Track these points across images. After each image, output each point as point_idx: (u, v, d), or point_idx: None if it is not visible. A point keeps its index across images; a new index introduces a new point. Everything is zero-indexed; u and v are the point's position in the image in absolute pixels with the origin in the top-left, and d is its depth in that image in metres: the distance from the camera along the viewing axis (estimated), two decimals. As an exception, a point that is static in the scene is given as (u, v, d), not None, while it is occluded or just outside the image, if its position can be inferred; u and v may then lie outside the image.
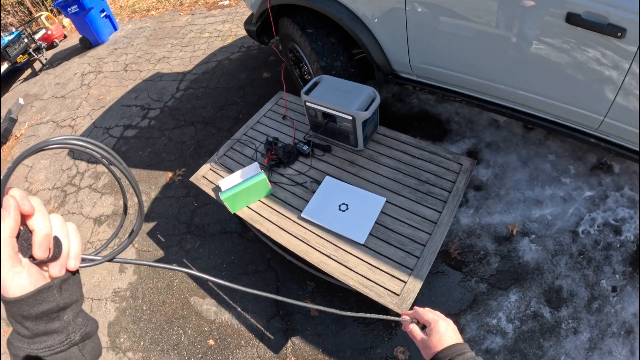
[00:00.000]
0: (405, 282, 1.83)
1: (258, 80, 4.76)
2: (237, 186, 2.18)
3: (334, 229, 2.07)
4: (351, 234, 2.03)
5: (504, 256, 2.52)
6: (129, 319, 2.97)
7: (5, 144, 5.91)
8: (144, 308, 2.99)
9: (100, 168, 4.48)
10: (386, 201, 2.15)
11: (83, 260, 0.62)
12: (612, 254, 2.39)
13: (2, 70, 7.77)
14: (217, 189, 2.46)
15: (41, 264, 0.55)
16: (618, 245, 2.42)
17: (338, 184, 2.27)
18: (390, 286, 1.84)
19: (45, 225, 0.54)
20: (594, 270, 2.35)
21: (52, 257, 0.55)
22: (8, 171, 0.51)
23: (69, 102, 6.22)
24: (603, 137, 2.16)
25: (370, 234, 2.03)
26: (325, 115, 2.35)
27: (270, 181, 2.32)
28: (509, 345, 2.19)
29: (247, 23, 3.72)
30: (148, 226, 3.56)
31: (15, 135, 6.08)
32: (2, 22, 10.96)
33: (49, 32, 9.03)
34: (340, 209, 2.14)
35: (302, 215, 2.17)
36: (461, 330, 2.29)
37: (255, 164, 2.38)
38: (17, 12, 11.30)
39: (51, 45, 9.17)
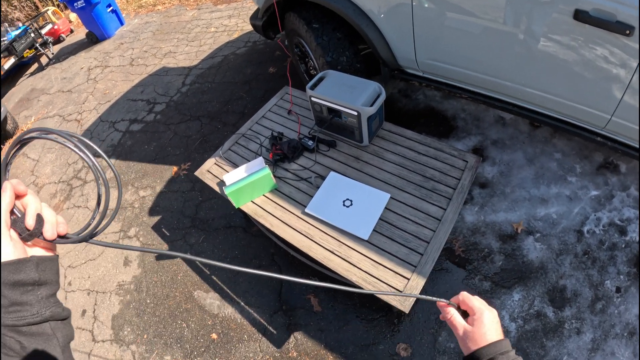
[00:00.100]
0: (408, 279, 1.83)
1: (264, 75, 4.76)
2: (242, 181, 2.18)
3: (337, 225, 2.07)
4: (355, 229, 2.03)
5: (508, 254, 2.51)
6: (132, 312, 2.99)
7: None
8: (148, 301, 3.00)
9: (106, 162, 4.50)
10: (390, 197, 2.14)
11: (67, 237, 0.69)
12: (617, 255, 2.38)
13: (9, 64, 7.81)
14: (221, 183, 2.46)
15: (28, 240, 0.65)
16: (623, 246, 2.40)
17: (342, 179, 2.27)
18: (394, 283, 1.84)
19: (35, 202, 0.67)
20: (599, 270, 2.34)
21: (36, 229, 0.65)
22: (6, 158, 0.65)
23: (75, 97, 6.23)
24: (610, 136, 2.14)
25: (374, 230, 2.03)
26: (331, 110, 2.34)
27: (274, 176, 2.32)
28: (512, 344, 2.18)
29: (253, 18, 3.72)
30: (153, 220, 3.57)
31: (22, 129, 6.11)
32: (9, 17, 11.00)
33: (56, 27, 9.05)
34: (344, 205, 2.14)
35: (306, 210, 2.17)
36: (463, 328, 2.29)
37: (260, 159, 2.38)
38: (23, 7, 11.34)
39: (58, 40, 9.20)
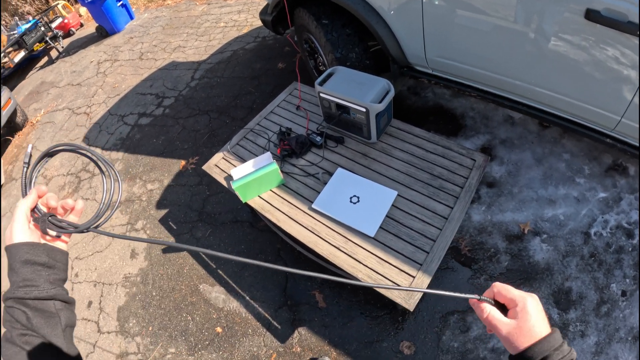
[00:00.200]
0: (413, 277, 1.83)
1: (273, 70, 4.76)
2: (249, 175, 2.18)
3: (344, 221, 2.07)
4: (361, 226, 2.03)
5: (515, 255, 2.50)
6: (138, 304, 3.00)
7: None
8: (154, 294, 3.02)
9: (115, 155, 4.52)
10: (397, 195, 2.14)
11: (75, 226, 0.79)
12: (624, 258, 2.36)
13: (19, 58, 7.86)
14: (229, 177, 2.47)
15: (45, 232, 0.78)
16: (630, 249, 2.38)
17: (350, 176, 2.27)
18: (399, 280, 1.84)
19: (53, 197, 0.81)
20: (605, 273, 2.32)
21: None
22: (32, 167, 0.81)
23: (84, 90, 6.26)
24: (619, 137, 2.13)
25: (380, 227, 2.03)
26: (339, 106, 2.34)
27: (282, 171, 2.33)
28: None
29: (263, 13, 3.72)
30: (160, 213, 3.59)
31: (32, 122, 6.15)
32: (19, 10, 11.06)
33: (66, 21, 9.10)
34: (351, 201, 2.14)
35: (313, 206, 2.18)
36: (468, 328, 2.29)
37: (268, 154, 2.38)
38: (34, 0, 11.39)
39: (68, 34, 9.25)
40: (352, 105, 2.24)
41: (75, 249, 3.68)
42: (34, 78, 7.90)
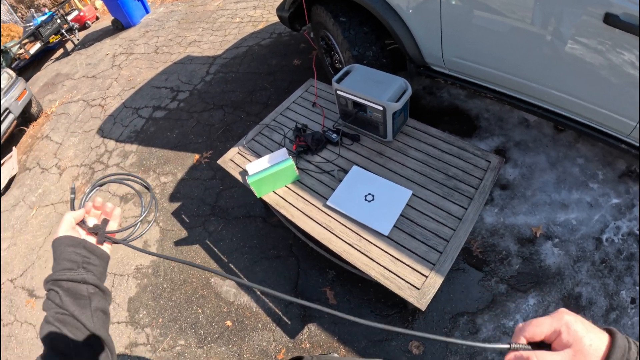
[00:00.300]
0: (426, 277, 1.83)
1: (288, 66, 4.76)
2: (265, 171, 2.19)
3: (358, 219, 2.08)
4: (376, 224, 2.04)
5: (526, 258, 2.49)
6: (149, 295, 3.03)
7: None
8: (165, 286, 3.04)
9: (129, 147, 4.56)
10: (412, 194, 2.14)
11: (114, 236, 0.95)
12: (634, 265, 2.34)
13: (35, 49, 7.94)
14: (244, 172, 2.48)
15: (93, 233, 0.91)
16: (641, 256, 2.38)
17: (365, 174, 2.28)
18: (412, 279, 1.84)
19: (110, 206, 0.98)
20: (615, 280, 2.31)
21: (101, 226, 0.93)
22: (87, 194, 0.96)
23: (99, 82, 6.31)
24: (635, 143, 2.11)
25: (394, 226, 2.03)
26: (356, 104, 2.35)
27: (297, 168, 2.33)
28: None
29: (280, 9, 3.73)
30: (173, 206, 3.61)
31: (46, 113, 6.21)
32: (35, 2, 11.16)
33: (82, 14, 9.18)
34: (366, 199, 2.14)
35: (328, 203, 2.19)
36: (477, 330, 2.28)
37: (283, 150, 2.40)
38: (51, -7, 11.50)
39: (83, 27, 9.33)
40: (369, 104, 2.24)
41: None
42: (49, 70, 7.97)
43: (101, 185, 1.00)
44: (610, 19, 1.68)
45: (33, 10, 11.51)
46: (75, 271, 0.80)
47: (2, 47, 8.16)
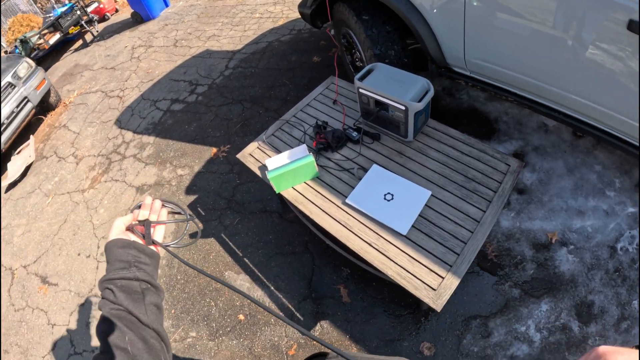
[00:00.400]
0: (443, 278, 1.83)
1: (308, 63, 4.77)
2: (285, 166, 2.20)
3: (377, 218, 2.08)
4: (394, 224, 2.04)
5: (541, 264, 2.48)
6: (162, 286, 3.04)
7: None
8: (179, 277, 3.07)
9: (146, 139, 4.59)
10: (431, 195, 2.14)
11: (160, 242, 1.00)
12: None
13: (55, 40, 8.02)
14: (263, 167, 2.49)
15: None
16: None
17: (385, 173, 2.28)
18: (428, 280, 1.84)
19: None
20: (628, 289, 2.29)
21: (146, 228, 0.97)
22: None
23: (118, 74, 6.37)
24: None
25: (413, 226, 2.03)
26: (378, 103, 2.35)
27: (317, 164, 2.34)
28: (534, 355, 2.16)
29: (302, 6, 3.74)
30: (189, 199, 3.64)
31: (64, 103, 6.28)
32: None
33: (101, 6, 9.27)
34: (385, 198, 2.14)
35: (347, 201, 2.19)
36: (489, 334, 2.28)
37: (303, 146, 2.40)
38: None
39: (103, 19, 9.42)
40: (391, 103, 2.24)
41: (102, 229, 3.76)
42: (68, 60, 8.05)
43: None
44: (634, 26, 1.67)
45: (53, 1, 11.61)
46: (127, 270, 0.84)
47: (22, 37, 8.25)
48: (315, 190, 2.31)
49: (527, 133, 3.12)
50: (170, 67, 5.87)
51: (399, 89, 2.22)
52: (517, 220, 2.69)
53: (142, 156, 4.38)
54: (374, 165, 2.32)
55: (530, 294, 2.37)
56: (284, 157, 2.37)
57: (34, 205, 4.48)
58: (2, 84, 5.27)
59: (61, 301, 3.35)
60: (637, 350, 0.52)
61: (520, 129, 3.16)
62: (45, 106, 6.19)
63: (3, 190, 5.03)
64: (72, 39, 8.85)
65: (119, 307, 0.79)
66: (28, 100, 5.55)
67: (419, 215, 2.07)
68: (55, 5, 9.15)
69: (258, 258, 2.98)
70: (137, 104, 5.33)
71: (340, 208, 2.19)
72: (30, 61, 5.86)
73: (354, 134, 2.49)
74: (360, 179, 2.27)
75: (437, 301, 1.77)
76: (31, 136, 5.67)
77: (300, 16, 3.94)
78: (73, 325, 3.12)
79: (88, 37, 8.56)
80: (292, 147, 2.51)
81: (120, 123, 5.11)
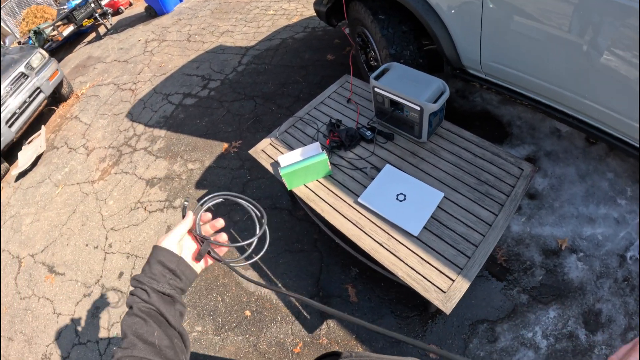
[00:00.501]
0: (453, 281, 1.82)
1: (321, 61, 4.75)
2: (297, 163, 2.20)
3: (389, 218, 2.07)
4: (406, 224, 2.03)
5: (550, 270, 2.46)
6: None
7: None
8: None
9: (157, 132, 4.61)
10: (444, 196, 2.13)
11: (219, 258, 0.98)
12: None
13: (68, 32, 8.07)
14: (275, 164, 2.49)
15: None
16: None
17: (398, 173, 2.27)
18: (438, 282, 1.83)
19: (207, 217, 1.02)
20: (636, 299, 2.27)
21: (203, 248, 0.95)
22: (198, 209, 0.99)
23: (131, 67, 6.39)
24: None
25: (424, 227, 2.02)
26: (392, 103, 2.34)
27: (329, 162, 2.33)
28: (541, 364, 2.15)
29: (317, 4, 3.74)
30: (199, 193, 3.65)
31: (77, 94, 6.31)
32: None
33: (115, -1, 9.30)
34: (397, 199, 2.14)
35: (359, 200, 2.18)
36: (495, 339, 2.26)
37: (317, 144, 2.40)
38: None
39: (117, 12, 9.47)
40: (406, 103, 2.23)
41: (111, 220, 3.78)
42: (81, 52, 8.10)
43: (221, 199, 1.03)
44: None
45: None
46: (160, 284, 0.86)
47: (36, 28, 8.31)
48: (327, 189, 2.30)
49: (539, 138, 3.10)
50: (183, 62, 5.89)
51: (415, 90, 2.21)
52: (527, 225, 2.67)
53: (153, 149, 4.39)
54: (387, 165, 2.32)
55: (539, 300, 2.35)
56: (296, 154, 2.36)
57: (44, 194, 4.51)
58: (15, 74, 5.31)
59: (67, 291, 3.36)
60: None
61: (533, 133, 3.14)
62: (57, 97, 6.24)
63: (13, 179, 5.06)
64: (85, 31, 8.91)
65: (151, 307, 0.82)
66: (40, 91, 5.60)
67: (431, 216, 2.06)
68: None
69: (267, 255, 2.97)
70: (149, 97, 5.35)
71: (352, 207, 2.19)
72: (44, 52, 5.91)
73: (368, 133, 2.49)
74: (372, 179, 2.27)
75: (446, 304, 1.76)
76: (42, 126, 5.71)
77: (315, 14, 3.95)
78: (78, 316, 3.14)
79: (101, 29, 8.61)
80: (305, 145, 2.50)
81: (132, 116, 5.13)
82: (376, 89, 2.36)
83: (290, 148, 2.57)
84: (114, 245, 3.54)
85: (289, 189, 2.34)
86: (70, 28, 8.16)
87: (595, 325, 2.22)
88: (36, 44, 8.20)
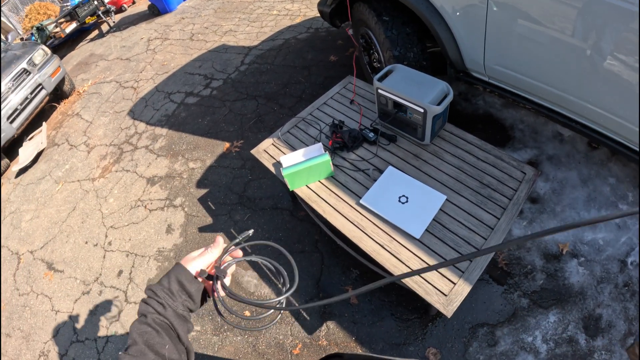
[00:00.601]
0: (454, 284, 1.82)
1: (324, 62, 4.74)
2: (300, 164, 2.20)
3: (391, 220, 2.07)
4: (408, 227, 2.03)
5: (550, 274, 2.45)
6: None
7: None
8: (186, 271, 3.06)
9: (159, 131, 4.60)
10: (446, 199, 2.13)
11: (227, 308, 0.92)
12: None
13: (71, 29, 8.07)
14: (277, 164, 2.49)
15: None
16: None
17: (400, 175, 2.26)
18: (440, 285, 1.83)
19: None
20: (636, 304, 2.26)
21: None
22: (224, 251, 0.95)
23: (133, 65, 6.38)
24: None
25: (426, 229, 2.02)
26: (396, 105, 2.33)
27: (332, 163, 2.33)
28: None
29: (322, 4, 3.73)
30: (199, 192, 3.65)
31: (78, 92, 6.31)
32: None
33: (119, -3, 9.31)
34: (399, 201, 2.13)
35: (361, 201, 2.18)
36: (495, 343, 2.26)
37: (319, 145, 2.39)
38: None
39: (120, 10, 9.47)
40: (410, 105, 2.23)
41: (111, 218, 3.77)
42: (83, 50, 8.09)
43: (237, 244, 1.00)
44: None
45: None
46: (175, 303, 0.86)
47: (39, 25, 8.31)
48: (330, 190, 2.30)
49: (542, 142, 3.09)
50: (186, 60, 5.88)
51: (419, 92, 2.21)
52: (529, 229, 2.67)
53: (154, 148, 4.38)
54: (390, 167, 2.31)
55: (539, 304, 2.35)
56: (299, 155, 2.36)
57: (44, 191, 4.50)
58: (17, 70, 5.31)
59: (66, 288, 3.36)
60: None
61: (535, 137, 3.14)
62: (59, 94, 6.23)
63: (14, 175, 5.06)
64: (88, 28, 8.90)
65: (164, 320, 0.83)
66: (42, 87, 5.59)
67: (433, 219, 2.05)
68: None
69: (267, 255, 2.92)
70: (151, 96, 5.35)
71: (354, 208, 2.18)
72: (46, 49, 5.90)
73: (371, 134, 2.48)
74: (375, 180, 2.26)
75: (447, 307, 1.76)
76: (44, 123, 5.71)
77: (318, 14, 3.94)
78: (77, 313, 3.13)
79: (104, 27, 8.60)
80: (308, 145, 2.50)
81: (134, 114, 5.12)
82: (380, 91, 2.35)
83: (293, 148, 2.56)
84: (114, 243, 3.53)
85: (290, 190, 2.33)
86: (73, 25, 8.15)
87: (595, 330, 2.21)
88: (39, 41, 8.19)
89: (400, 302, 2.51)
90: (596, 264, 2.44)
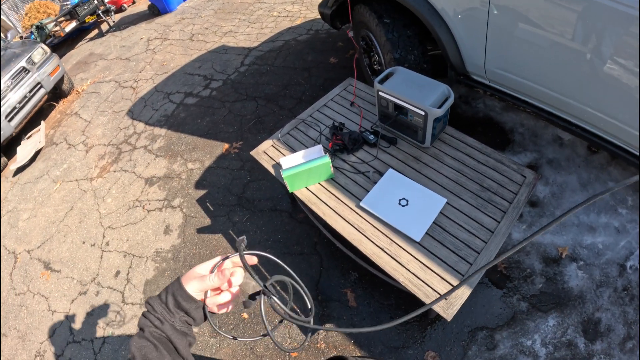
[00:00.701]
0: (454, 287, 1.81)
1: (324, 64, 4.74)
2: (300, 166, 2.19)
3: (391, 223, 2.06)
4: (408, 230, 2.02)
5: (550, 278, 2.45)
6: (167, 279, 3.04)
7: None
8: (184, 271, 3.04)
9: (157, 131, 4.59)
10: (446, 202, 2.12)
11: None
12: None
13: (70, 28, 8.07)
14: (277, 165, 2.48)
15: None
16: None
17: (400, 178, 2.26)
18: (439, 288, 1.82)
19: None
20: (635, 308, 2.26)
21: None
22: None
23: (132, 65, 6.38)
24: None
25: (426, 232, 2.01)
26: (397, 107, 2.33)
27: (332, 166, 2.32)
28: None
29: (322, 6, 3.73)
30: (198, 193, 3.63)
31: (77, 91, 6.30)
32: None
33: (119, -3, 9.31)
34: (400, 204, 2.13)
35: (361, 204, 2.17)
36: (494, 346, 2.25)
37: (319, 147, 2.38)
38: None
39: (120, 9, 9.47)
40: (410, 107, 2.22)
41: (109, 218, 3.76)
42: (82, 49, 8.08)
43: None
44: None
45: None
46: (173, 319, 0.85)
47: (38, 24, 8.30)
48: (329, 192, 2.30)
49: (542, 145, 3.09)
50: (186, 61, 5.88)
51: (419, 94, 2.21)
52: (528, 233, 2.67)
53: (153, 148, 4.37)
54: (390, 170, 2.31)
55: (538, 308, 2.35)
56: (298, 157, 2.35)
57: (41, 190, 4.49)
58: (16, 69, 5.29)
59: (63, 288, 3.34)
60: None
61: (535, 140, 3.14)
62: (58, 93, 6.22)
63: (11, 174, 5.04)
64: (87, 28, 8.89)
65: (162, 334, 0.82)
66: (41, 86, 5.58)
67: (433, 222, 2.05)
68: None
69: (265, 258, 2.93)
70: (150, 96, 5.34)
71: (354, 211, 2.18)
72: (46, 47, 5.90)
73: (371, 137, 2.48)
74: (375, 183, 2.26)
75: (447, 310, 1.76)
76: (42, 122, 5.69)
77: (319, 16, 3.94)
78: (73, 313, 3.12)
79: (104, 26, 8.59)
80: (308, 147, 2.49)
81: (133, 114, 5.11)
82: (380, 93, 2.35)
83: (292, 150, 2.55)
84: (111, 243, 3.52)
85: (290, 192, 2.33)
86: (73, 24, 8.15)
87: (594, 334, 2.21)
88: (38, 39, 8.19)
89: (399, 305, 2.50)
90: (595, 268, 2.44)
